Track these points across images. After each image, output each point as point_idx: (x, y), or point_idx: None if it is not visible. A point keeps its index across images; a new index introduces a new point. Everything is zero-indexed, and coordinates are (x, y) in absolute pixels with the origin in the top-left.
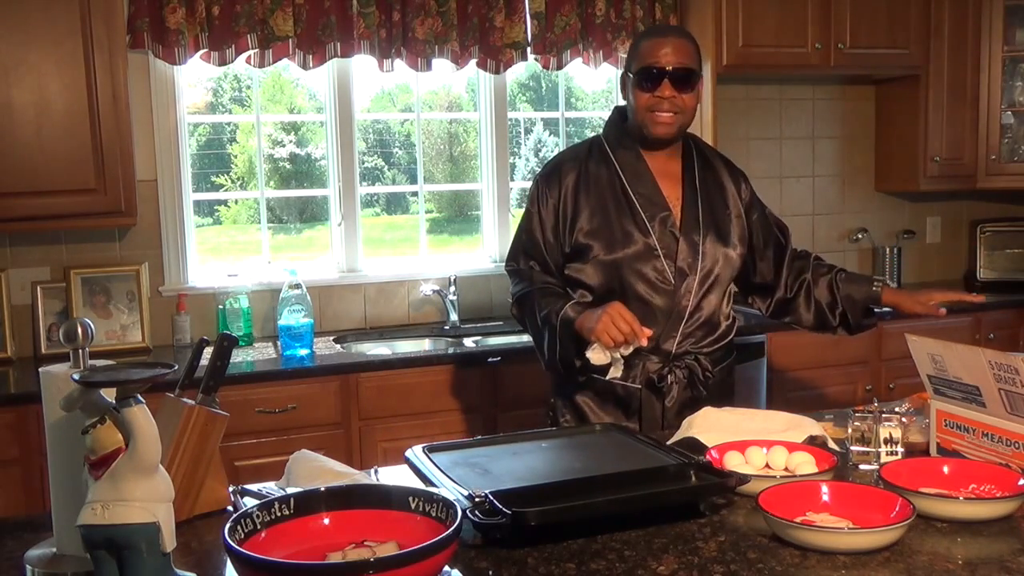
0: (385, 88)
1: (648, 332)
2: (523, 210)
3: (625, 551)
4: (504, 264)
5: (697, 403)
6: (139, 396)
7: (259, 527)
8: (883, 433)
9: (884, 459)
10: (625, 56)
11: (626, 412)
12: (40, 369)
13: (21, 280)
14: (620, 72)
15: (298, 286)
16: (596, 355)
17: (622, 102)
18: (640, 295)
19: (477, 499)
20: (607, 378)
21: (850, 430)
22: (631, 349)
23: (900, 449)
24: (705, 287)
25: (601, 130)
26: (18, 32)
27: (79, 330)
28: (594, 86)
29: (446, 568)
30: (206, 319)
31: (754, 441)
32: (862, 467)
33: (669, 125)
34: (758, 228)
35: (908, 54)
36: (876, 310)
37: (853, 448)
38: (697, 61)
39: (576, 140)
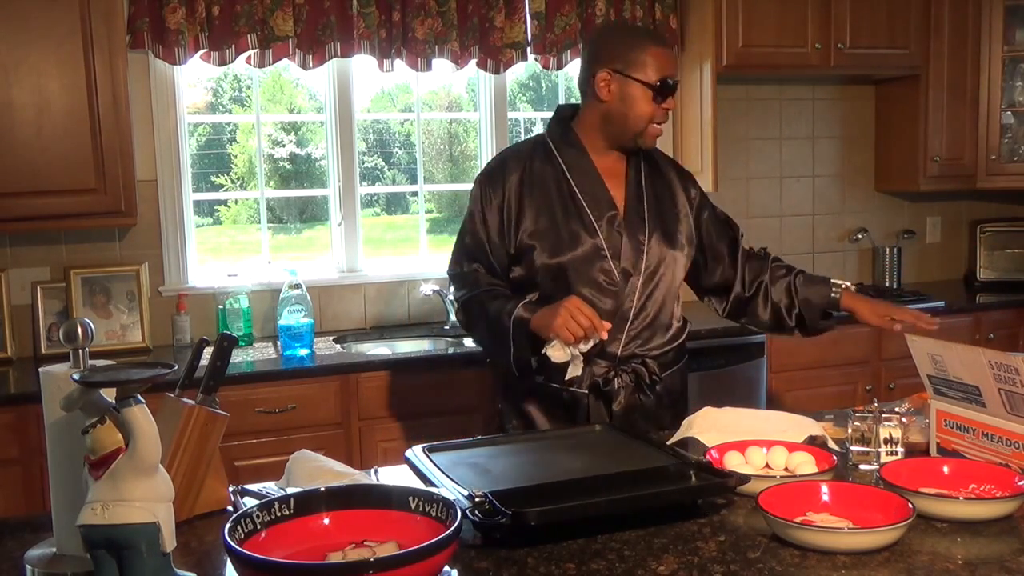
0: (385, 88)
1: (607, 324)
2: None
3: (625, 551)
4: (447, 269)
5: (644, 408)
6: (139, 396)
7: (259, 527)
8: (883, 433)
9: (884, 459)
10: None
11: (573, 417)
12: (40, 369)
13: (21, 280)
14: (592, 66)
15: (298, 286)
16: (555, 352)
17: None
18: (586, 296)
19: (477, 499)
20: (567, 377)
21: (850, 430)
22: (591, 344)
23: (900, 449)
24: (650, 287)
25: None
26: (18, 32)
27: (79, 330)
28: None
29: (446, 568)
30: (206, 319)
31: (754, 441)
32: (862, 467)
33: (660, 136)
34: (708, 228)
35: (908, 54)
36: (834, 313)
37: (853, 448)
38: None
39: None
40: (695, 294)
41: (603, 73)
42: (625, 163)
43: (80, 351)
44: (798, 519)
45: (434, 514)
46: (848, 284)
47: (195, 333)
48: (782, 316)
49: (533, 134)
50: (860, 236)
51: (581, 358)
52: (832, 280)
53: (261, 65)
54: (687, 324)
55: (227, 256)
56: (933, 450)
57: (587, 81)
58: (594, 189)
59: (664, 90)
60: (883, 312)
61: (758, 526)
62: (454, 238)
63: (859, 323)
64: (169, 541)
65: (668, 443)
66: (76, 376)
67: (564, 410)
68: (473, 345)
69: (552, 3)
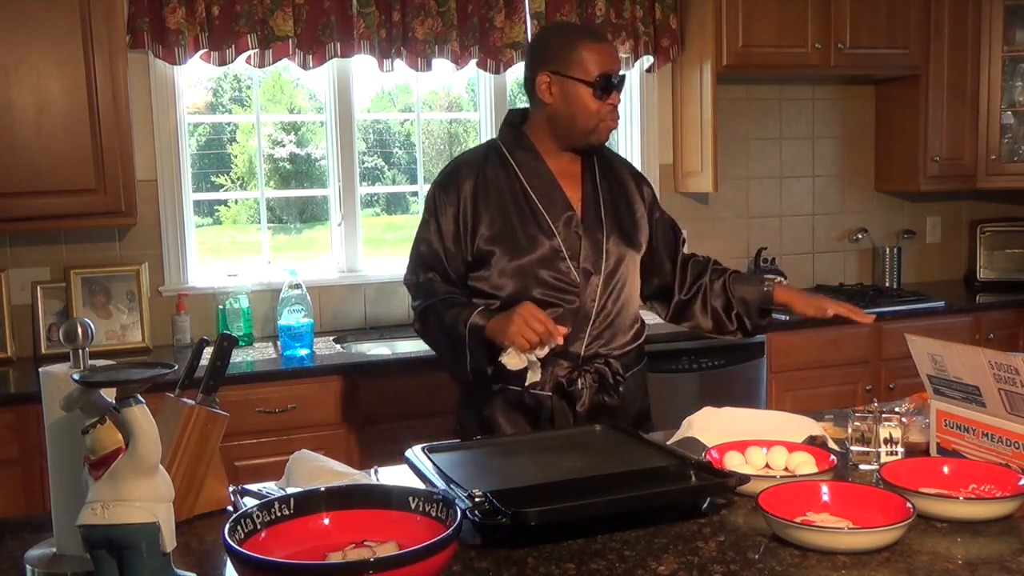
0: (385, 88)
1: (563, 330)
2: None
3: (625, 551)
4: (403, 278)
5: (609, 409)
6: (139, 396)
7: (259, 527)
8: (883, 433)
9: (884, 459)
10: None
11: (536, 420)
12: (40, 369)
13: (21, 280)
14: (532, 70)
15: (298, 286)
16: (511, 360)
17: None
18: (545, 299)
19: (477, 499)
20: (526, 384)
21: (850, 430)
22: (547, 350)
23: (900, 449)
24: (611, 287)
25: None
26: (18, 32)
27: (79, 330)
28: None
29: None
30: (206, 319)
31: (754, 441)
32: (862, 467)
33: (612, 131)
34: (658, 230)
35: (908, 54)
36: (771, 309)
37: (853, 448)
38: None
39: None
40: (641, 297)
41: (542, 76)
42: (580, 164)
43: (80, 351)
44: (798, 519)
45: (434, 514)
46: (780, 279)
47: (195, 333)
48: (721, 317)
49: (483, 141)
50: (860, 236)
51: (539, 364)
52: (765, 276)
53: (261, 65)
54: (645, 324)
55: (227, 256)
56: (933, 450)
57: (530, 86)
58: (549, 191)
59: (605, 85)
60: (816, 303)
61: (758, 526)
62: None
63: (859, 323)
64: (169, 541)
65: (668, 443)
66: (76, 376)
67: (527, 414)
68: None
69: (552, 3)
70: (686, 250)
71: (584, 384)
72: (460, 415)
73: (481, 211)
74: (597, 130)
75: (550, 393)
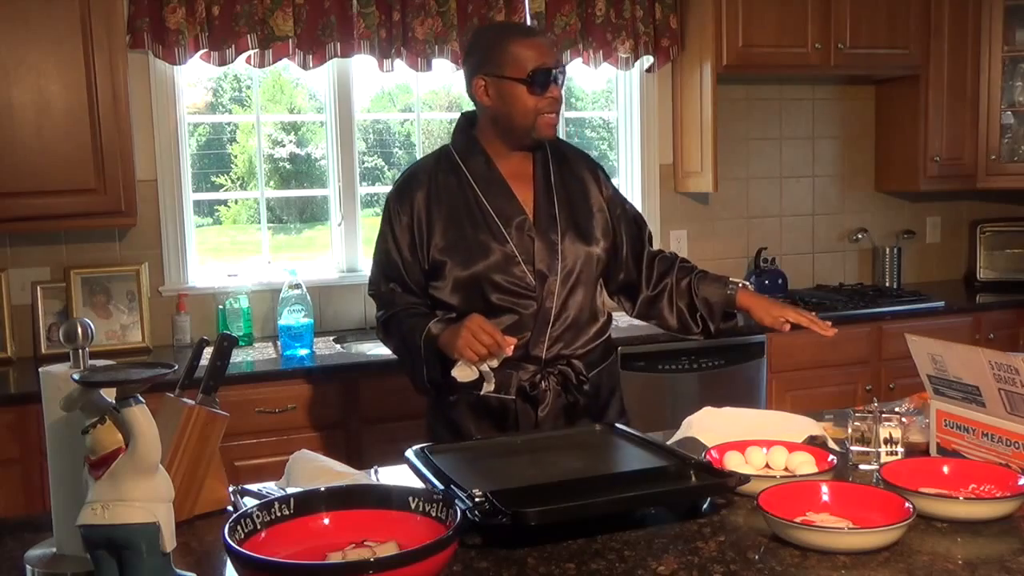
0: (385, 88)
1: (511, 340)
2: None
3: (625, 551)
4: (367, 288)
5: (574, 409)
6: (139, 396)
7: (259, 527)
8: (883, 433)
9: (884, 459)
10: (610, 54)
11: (502, 424)
12: (40, 369)
13: (21, 280)
14: (468, 75)
15: (298, 286)
16: (461, 372)
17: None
18: (503, 304)
19: (477, 499)
20: (482, 392)
21: (850, 430)
22: (498, 361)
23: (900, 449)
24: (568, 287)
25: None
26: (18, 32)
27: (79, 330)
28: (594, 86)
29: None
30: (206, 319)
31: (754, 441)
32: (862, 467)
33: (555, 126)
34: (620, 223)
35: (908, 54)
36: (734, 312)
37: (853, 448)
38: None
39: (577, 140)
40: (606, 291)
41: (478, 80)
42: (531, 164)
43: (80, 351)
44: (798, 519)
45: (434, 514)
46: (746, 283)
47: (195, 333)
48: (686, 317)
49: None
50: (860, 236)
51: (491, 373)
52: (730, 279)
53: (261, 65)
54: (611, 318)
55: (227, 256)
56: (933, 450)
57: (469, 91)
58: (500, 196)
59: (539, 80)
60: (777, 312)
61: (758, 526)
62: None
63: (859, 323)
64: (169, 541)
65: (668, 443)
66: (76, 376)
67: (492, 418)
68: None
69: (552, 3)
70: (658, 246)
71: (548, 386)
72: (429, 419)
73: (434, 220)
74: (537, 126)
75: (514, 397)
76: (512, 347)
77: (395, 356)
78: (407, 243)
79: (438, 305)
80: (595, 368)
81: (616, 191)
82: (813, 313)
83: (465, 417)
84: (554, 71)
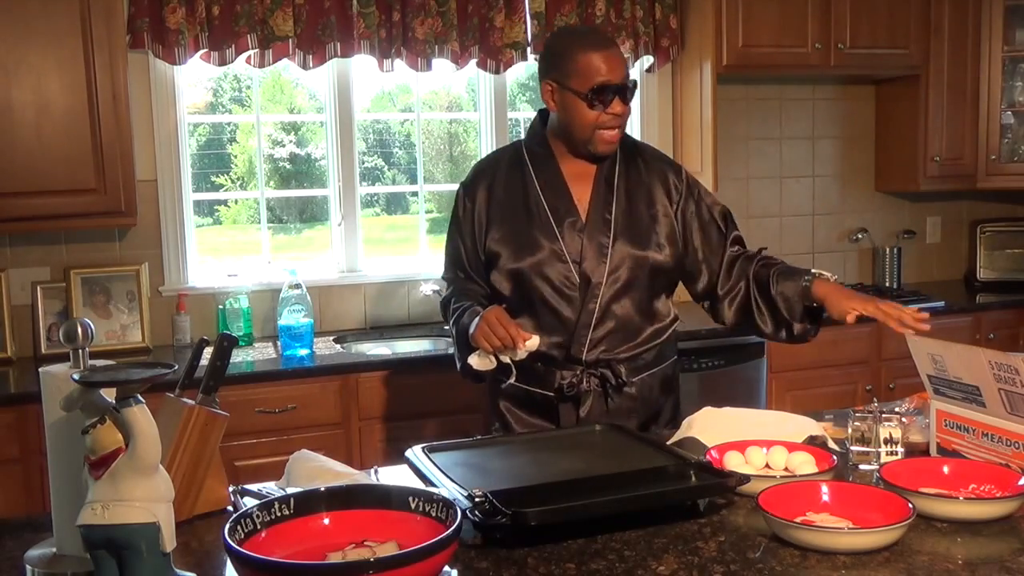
0: (385, 88)
1: (527, 336)
2: None
3: (625, 551)
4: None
5: (618, 411)
6: (139, 396)
7: (259, 527)
8: (883, 433)
9: (884, 459)
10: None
11: (549, 419)
12: (40, 369)
13: (21, 280)
14: (539, 77)
15: (298, 286)
16: (477, 360)
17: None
18: (547, 302)
19: (477, 499)
20: (505, 384)
21: (850, 430)
22: (521, 354)
23: (900, 449)
24: (615, 290)
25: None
26: (18, 32)
27: (79, 330)
28: None
29: (446, 568)
30: (206, 319)
31: (754, 441)
32: (862, 467)
33: (614, 142)
34: (692, 229)
35: (908, 54)
36: (816, 307)
37: (853, 448)
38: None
39: None
40: (694, 300)
41: (545, 84)
42: (596, 165)
43: (80, 351)
44: (798, 519)
45: (434, 514)
46: (823, 272)
47: (195, 333)
48: (773, 319)
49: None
50: (860, 236)
51: (511, 365)
52: (810, 270)
53: (261, 65)
54: (674, 324)
55: (227, 256)
56: (933, 450)
57: (541, 92)
58: (557, 194)
59: (600, 97)
60: (847, 304)
61: (758, 526)
62: None
63: (859, 323)
64: (169, 541)
65: (668, 443)
66: (76, 376)
67: (538, 412)
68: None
69: (552, 3)
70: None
71: (588, 387)
72: (487, 409)
73: (493, 212)
74: (594, 140)
75: (553, 395)
76: (533, 343)
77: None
78: (469, 233)
79: (495, 294)
80: (643, 372)
81: (696, 196)
82: (900, 305)
83: (513, 408)
84: (619, 87)
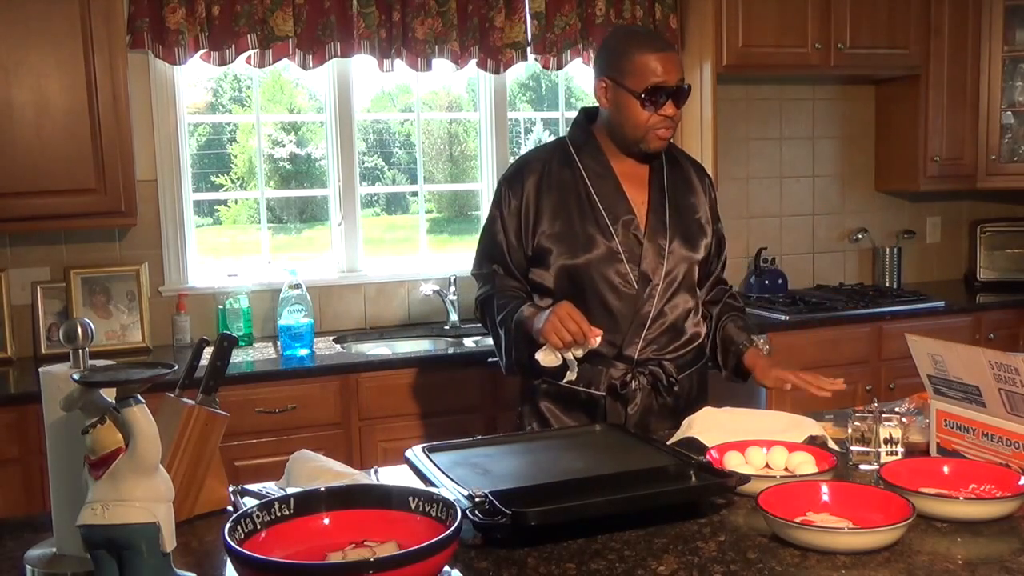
0: (385, 88)
1: (597, 332)
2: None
3: (625, 551)
4: (471, 269)
5: (662, 410)
6: (139, 396)
7: (259, 527)
8: (883, 433)
9: (884, 459)
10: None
11: (591, 418)
12: (40, 369)
13: (21, 280)
14: (595, 74)
15: (298, 286)
16: (545, 357)
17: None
18: (602, 300)
19: (477, 499)
20: (563, 381)
21: (850, 430)
22: (583, 351)
23: (900, 449)
24: (670, 292)
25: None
26: (18, 32)
27: (79, 330)
28: None
29: (446, 568)
30: (206, 319)
31: (754, 441)
32: (862, 467)
33: (666, 140)
34: (714, 237)
35: (908, 54)
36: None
37: (853, 448)
38: None
39: None
40: None
41: (600, 81)
42: (648, 166)
43: (80, 351)
44: (798, 519)
45: (434, 514)
46: (760, 341)
47: (195, 333)
48: (713, 356)
49: (552, 138)
50: (860, 236)
51: (575, 363)
52: (750, 336)
53: (261, 65)
54: (704, 325)
55: (227, 256)
56: (933, 450)
57: (594, 87)
58: (610, 192)
59: (654, 98)
60: (776, 376)
61: (758, 526)
62: (454, 238)
63: (859, 323)
64: (169, 541)
65: (668, 443)
66: (76, 376)
67: (582, 411)
68: (473, 345)
69: (552, 3)
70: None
71: (638, 386)
72: (521, 408)
73: (543, 208)
74: (646, 139)
75: (604, 393)
76: (599, 339)
77: (490, 336)
78: (514, 228)
79: (537, 291)
80: (687, 370)
81: (715, 203)
82: (817, 375)
83: (554, 408)
84: (674, 89)
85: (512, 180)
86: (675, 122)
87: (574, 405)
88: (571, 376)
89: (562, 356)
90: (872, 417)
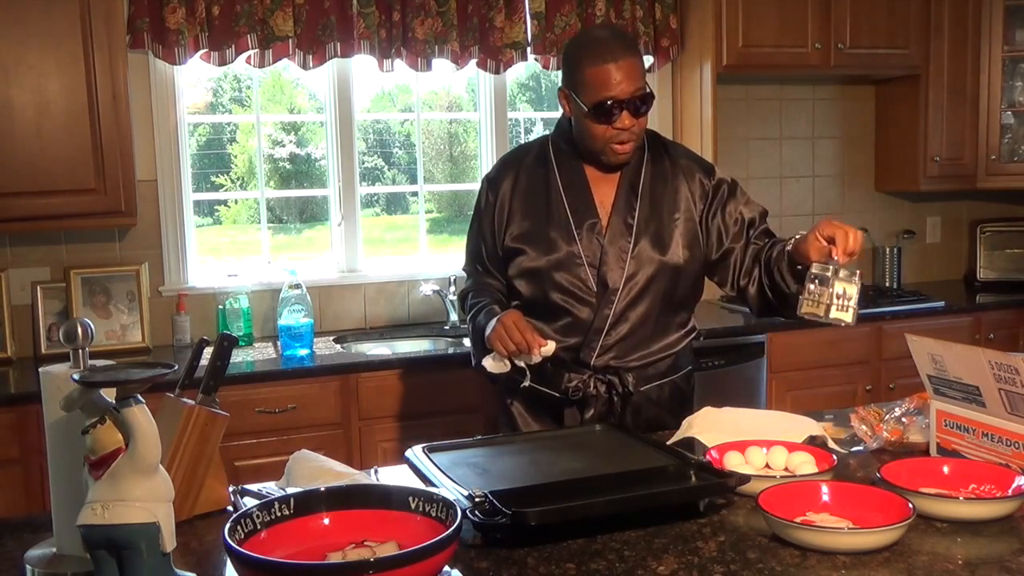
0: (385, 88)
1: (542, 343)
2: None
3: (625, 551)
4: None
5: (622, 418)
6: (139, 396)
7: (259, 527)
8: (838, 287)
9: (833, 313)
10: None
11: (557, 421)
12: (40, 369)
13: (21, 280)
14: (561, 82)
15: (298, 286)
16: (491, 363)
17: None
18: (561, 304)
19: (477, 499)
20: (522, 386)
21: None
22: (536, 359)
23: (852, 305)
24: (631, 297)
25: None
26: (18, 32)
27: (79, 330)
28: None
29: (446, 568)
30: (206, 319)
31: (754, 441)
32: (807, 316)
33: (628, 153)
34: (712, 230)
35: (908, 54)
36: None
37: (809, 286)
38: (645, 76)
39: None
40: (734, 297)
41: (560, 91)
42: (620, 169)
43: (80, 351)
44: (798, 519)
45: (434, 514)
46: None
47: (195, 333)
48: (771, 295)
49: (539, 135)
50: None
51: (527, 369)
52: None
53: (261, 65)
54: (691, 335)
55: (227, 256)
56: (933, 450)
57: (557, 96)
58: (579, 195)
59: (604, 113)
60: (812, 238)
61: (758, 526)
62: (454, 238)
63: (859, 323)
64: (169, 541)
65: (668, 443)
66: (76, 376)
67: (547, 413)
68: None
69: (552, 3)
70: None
71: (596, 392)
72: (497, 407)
73: (515, 209)
74: (605, 152)
75: (561, 396)
76: (549, 350)
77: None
78: (489, 227)
79: (511, 291)
80: (653, 382)
81: (723, 188)
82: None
83: (521, 408)
84: (625, 102)
85: (491, 180)
86: (635, 133)
87: (541, 407)
88: (525, 383)
89: (512, 363)
90: (832, 270)
